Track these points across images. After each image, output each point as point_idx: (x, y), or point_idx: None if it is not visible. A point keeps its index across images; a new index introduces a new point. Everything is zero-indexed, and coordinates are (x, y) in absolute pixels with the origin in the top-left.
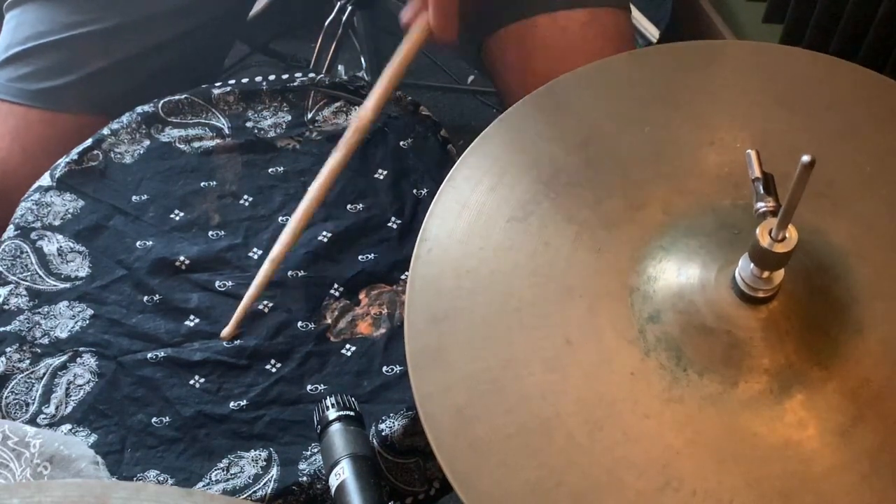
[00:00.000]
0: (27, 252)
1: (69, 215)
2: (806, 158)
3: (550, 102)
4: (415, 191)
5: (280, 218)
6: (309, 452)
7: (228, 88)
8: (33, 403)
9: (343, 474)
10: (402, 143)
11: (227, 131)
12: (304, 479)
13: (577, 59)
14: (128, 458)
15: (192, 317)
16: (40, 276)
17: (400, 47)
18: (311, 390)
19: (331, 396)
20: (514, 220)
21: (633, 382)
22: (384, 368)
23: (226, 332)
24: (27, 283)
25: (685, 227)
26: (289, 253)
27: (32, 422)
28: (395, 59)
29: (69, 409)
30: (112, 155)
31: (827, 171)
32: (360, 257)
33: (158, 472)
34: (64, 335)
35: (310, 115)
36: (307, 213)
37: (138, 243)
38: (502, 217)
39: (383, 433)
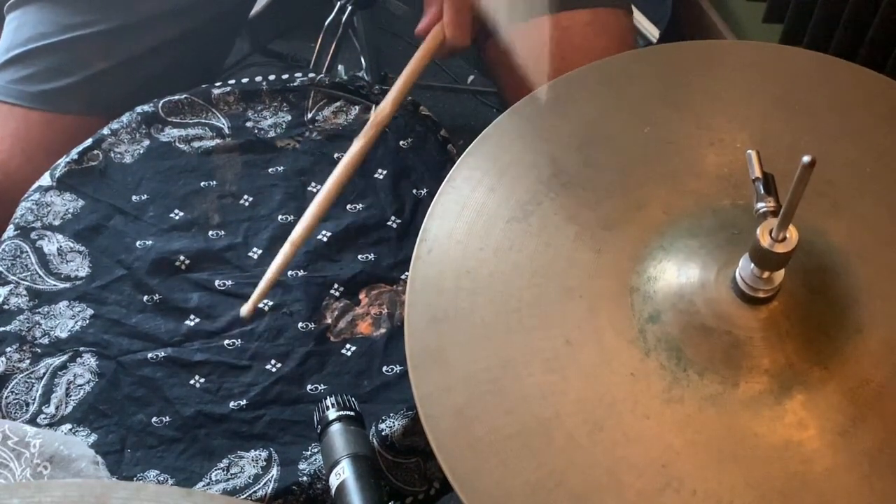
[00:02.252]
0: (27, 252)
1: (69, 215)
2: (806, 159)
3: (550, 102)
4: (415, 191)
5: (280, 217)
6: (309, 452)
7: (228, 88)
8: (33, 403)
9: (343, 474)
10: (402, 143)
11: (227, 131)
12: (304, 479)
13: (578, 59)
14: (128, 458)
15: (192, 316)
16: (40, 276)
17: (417, 52)
18: (311, 390)
19: (331, 396)
20: (514, 220)
21: (633, 383)
22: (384, 368)
23: (246, 309)
24: (27, 283)
25: (685, 227)
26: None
27: (32, 422)
28: (413, 60)
29: (69, 408)
30: (112, 155)
31: (827, 171)
32: (359, 257)
33: (158, 472)
34: (64, 335)
35: (310, 115)
36: (327, 199)
37: (138, 243)
38: (502, 217)
39: (383, 433)
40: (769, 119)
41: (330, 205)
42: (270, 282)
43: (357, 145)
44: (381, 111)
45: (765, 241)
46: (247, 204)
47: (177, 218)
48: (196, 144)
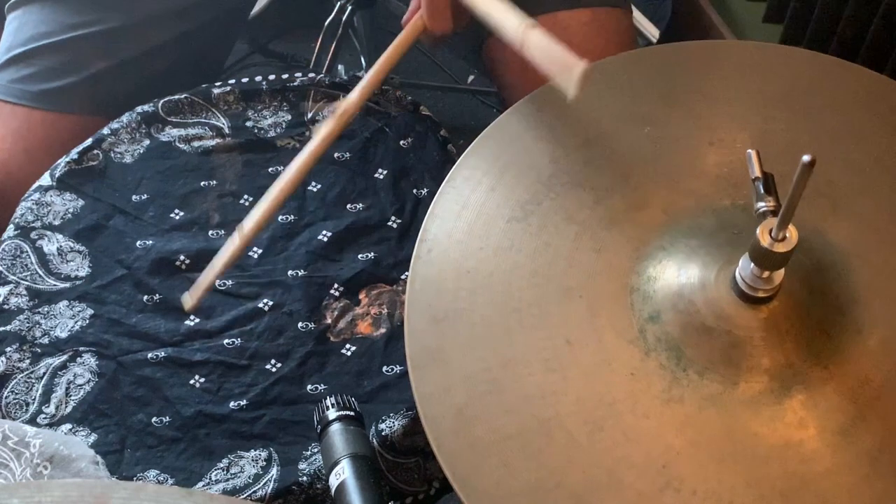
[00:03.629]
0: (27, 252)
1: (69, 215)
2: (806, 158)
3: (550, 102)
4: (415, 191)
5: (280, 217)
6: (309, 452)
7: (228, 88)
8: (33, 403)
9: (343, 474)
10: (402, 142)
11: (226, 131)
12: (304, 478)
13: None
14: (128, 457)
15: (192, 316)
16: (40, 276)
17: (394, 41)
18: (311, 390)
19: (331, 396)
20: (514, 220)
21: (633, 382)
22: (384, 368)
23: (190, 306)
24: (27, 283)
25: (685, 227)
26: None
27: (32, 421)
28: (387, 51)
29: (69, 408)
30: (112, 154)
31: (827, 171)
32: (360, 257)
33: (158, 472)
34: (64, 335)
35: (310, 115)
36: (280, 197)
37: (138, 243)
38: (502, 217)
39: (383, 433)
40: (769, 119)
41: (284, 200)
42: (216, 274)
43: (314, 144)
44: (348, 101)
45: (765, 241)
46: (247, 204)
47: (177, 218)
48: (196, 144)
